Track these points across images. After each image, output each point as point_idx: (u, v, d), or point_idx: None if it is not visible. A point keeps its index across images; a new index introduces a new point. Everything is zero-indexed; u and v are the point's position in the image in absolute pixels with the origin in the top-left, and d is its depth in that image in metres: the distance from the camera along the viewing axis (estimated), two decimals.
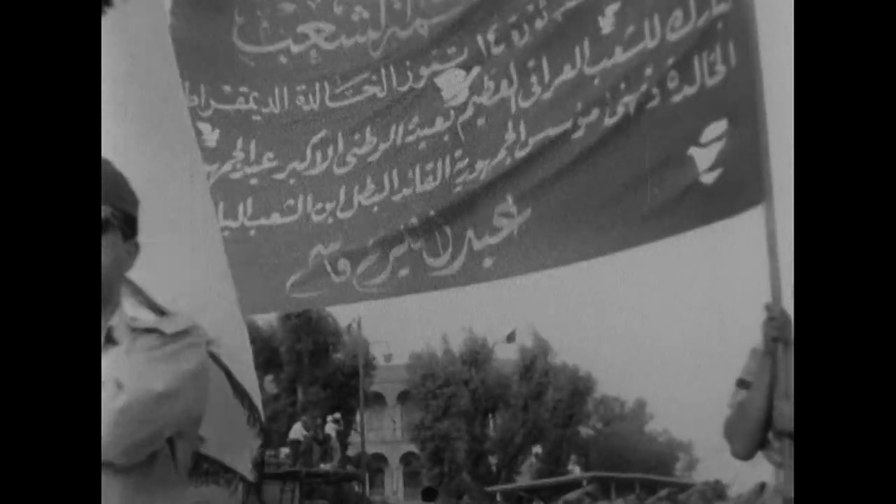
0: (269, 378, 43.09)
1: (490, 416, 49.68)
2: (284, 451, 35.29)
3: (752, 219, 3.97)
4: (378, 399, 55.26)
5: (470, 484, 41.86)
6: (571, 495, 15.54)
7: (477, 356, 48.25)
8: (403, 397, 55.17)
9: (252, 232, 4.87)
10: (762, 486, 15.33)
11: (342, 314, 42.51)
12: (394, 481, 58.18)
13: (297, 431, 34.26)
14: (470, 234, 4.51)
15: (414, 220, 4.59)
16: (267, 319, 43.52)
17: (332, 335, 43.26)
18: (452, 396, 46.67)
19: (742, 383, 4.00)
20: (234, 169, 4.88)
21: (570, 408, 49.82)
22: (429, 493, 14.48)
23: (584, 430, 53.67)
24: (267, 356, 42.40)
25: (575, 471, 48.38)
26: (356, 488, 36.95)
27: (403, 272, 4.61)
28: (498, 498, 42.19)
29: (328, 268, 4.72)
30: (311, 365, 41.90)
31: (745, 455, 4.09)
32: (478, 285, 4.62)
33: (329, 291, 4.80)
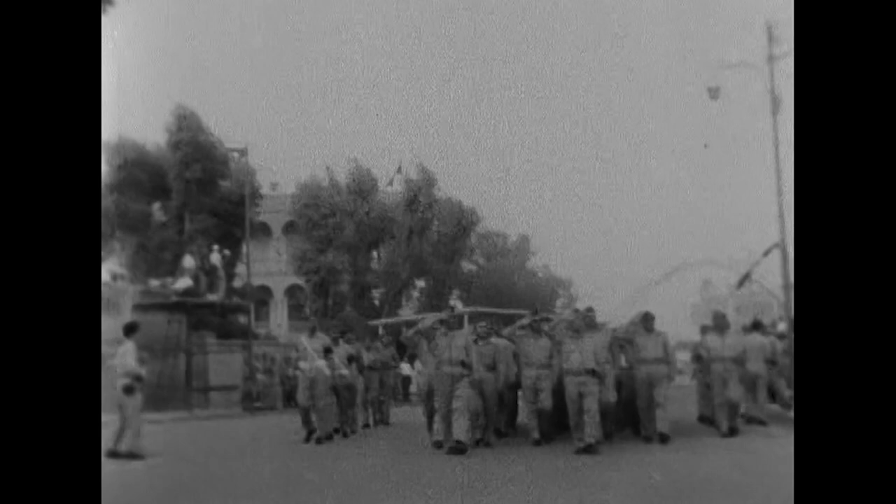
0: (157, 205, 42.60)
1: (374, 249, 49.81)
2: (171, 280, 35.27)
3: None
4: (264, 229, 55.20)
5: (353, 317, 42.31)
6: (424, 323, 14.89)
7: (362, 187, 48.02)
8: (289, 228, 54.89)
9: None
10: (645, 315, 15.26)
11: (230, 141, 42.02)
12: (278, 314, 58.70)
13: (189, 262, 34.12)
14: None
15: None
16: (155, 144, 42.85)
17: (220, 163, 42.45)
18: (337, 228, 46.55)
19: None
20: None
21: (454, 242, 50.21)
22: (130, 328, 14.33)
23: (467, 265, 54.38)
24: (156, 183, 41.77)
25: (456, 306, 48.96)
26: (241, 320, 37.19)
27: None
28: (380, 331, 43.08)
29: None
30: (199, 193, 41.32)
31: None
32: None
33: None
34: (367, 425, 19.85)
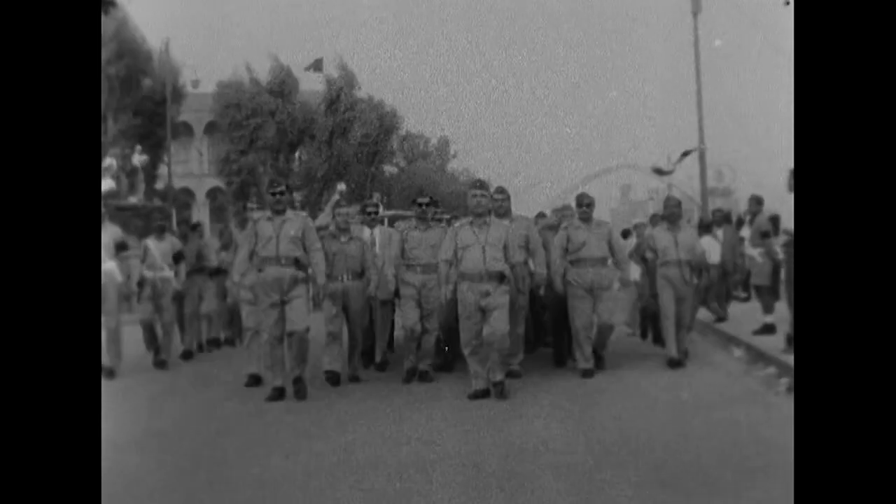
0: None
1: (295, 150, 48.91)
2: None
3: None
4: (186, 129, 54.18)
5: None
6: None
7: (283, 86, 46.96)
8: (210, 128, 53.75)
9: None
10: (579, 198, 11.29)
11: (154, 35, 40.89)
12: (200, 217, 57.06)
13: (110, 163, 33.57)
14: None
15: None
16: None
17: (143, 59, 41.42)
18: (258, 128, 45.64)
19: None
20: None
21: (376, 144, 49.37)
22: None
23: (388, 168, 53.74)
24: None
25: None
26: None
27: None
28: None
29: None
30: (121, 92, 40.35)
31: None
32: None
33: None
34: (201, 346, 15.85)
